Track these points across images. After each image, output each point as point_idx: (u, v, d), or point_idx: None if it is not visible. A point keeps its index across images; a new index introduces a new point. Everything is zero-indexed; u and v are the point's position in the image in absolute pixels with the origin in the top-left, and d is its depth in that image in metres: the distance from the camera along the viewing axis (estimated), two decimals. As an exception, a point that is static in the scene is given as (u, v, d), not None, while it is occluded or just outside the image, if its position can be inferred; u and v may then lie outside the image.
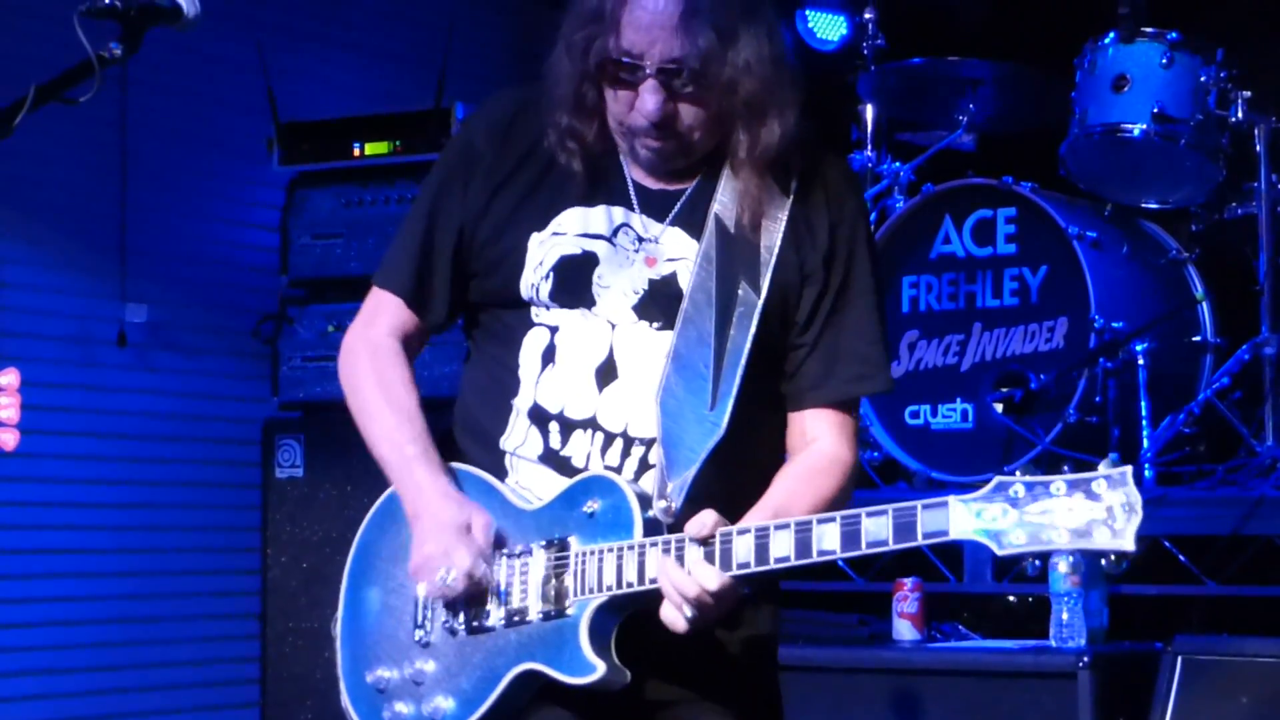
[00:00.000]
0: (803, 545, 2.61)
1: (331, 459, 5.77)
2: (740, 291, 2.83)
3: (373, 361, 2.96)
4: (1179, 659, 4.62)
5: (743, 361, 2.80)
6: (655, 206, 2.89)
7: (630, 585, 2.70)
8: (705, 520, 2.66)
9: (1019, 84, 6.35)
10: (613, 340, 2.85)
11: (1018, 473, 2.58)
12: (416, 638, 2.87)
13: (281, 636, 5.84)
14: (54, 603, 5.85)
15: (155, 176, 6.18)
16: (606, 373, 2.85)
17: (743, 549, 2.64)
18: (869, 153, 6.41)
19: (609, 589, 2.72)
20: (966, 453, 5.82)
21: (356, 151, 5.98)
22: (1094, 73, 5.83)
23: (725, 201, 2.86)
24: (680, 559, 2.66)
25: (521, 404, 2.88)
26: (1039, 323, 5.81)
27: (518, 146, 2.92)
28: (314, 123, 6.07)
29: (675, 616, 2.66)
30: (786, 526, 2.63)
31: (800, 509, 2.71)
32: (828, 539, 2.60)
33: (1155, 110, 5.71)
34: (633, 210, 2.89)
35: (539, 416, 2.87)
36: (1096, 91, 5.82)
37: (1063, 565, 4.85)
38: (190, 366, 6.27)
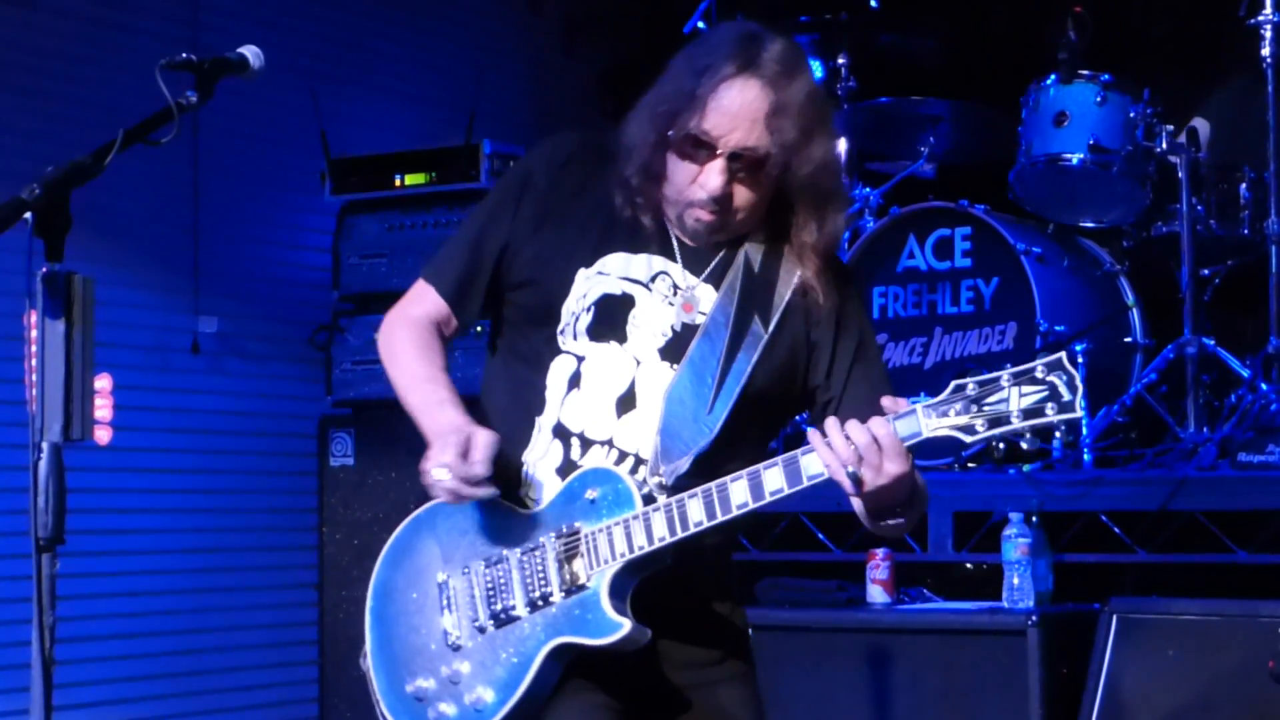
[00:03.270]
0: (792, 473, 2.62)
1: (379, 449, 5.79)
2: (753, 323, 2.78)
3: (412, 332, 2.88)
4: (1114, 618, 4.64)
5: (742, 381, 2.76)
6: (693, 262, 2.83)
7: (641, 548, 2.67)
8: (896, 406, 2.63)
9: (972, 120, 6.35)
10: (635, 375, 2.79)
11: (968, 374, 2.61)
12: (448, 642, 2.78)
13: (336, 603, 5.86)
14: (140, 575, 5.86)
15: (223, 206, 6.18)
16: (626, 402, 2.78)
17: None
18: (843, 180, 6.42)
19: (622, 556, 2.67)
20: (928, 440, 5.81)
21: (398, 182, 5.99)
22: (1037, 110, 5.83)
23: (752, 254, 2.82)
24: (684, 516, 2.64)
25: (546, 422, 2.81)
26: (991, 326, 5.80)
27: (571, 184, 2.85)
28: (360, 158, 6.08)
29: (841, 475, 2.60)
30: (775, 465, 2.62)
31: None
32: (815, 465, 2.61)
33: (1091, 142, 5.70)
34: (674, 261, 2.83)
35: (562, 432, 2.80)
36: (1040, 126, 5.81)
37: (1015, 541, 4.87)
38: (255, 370, 6.27)
